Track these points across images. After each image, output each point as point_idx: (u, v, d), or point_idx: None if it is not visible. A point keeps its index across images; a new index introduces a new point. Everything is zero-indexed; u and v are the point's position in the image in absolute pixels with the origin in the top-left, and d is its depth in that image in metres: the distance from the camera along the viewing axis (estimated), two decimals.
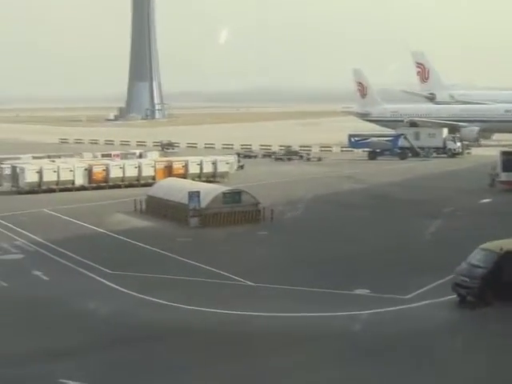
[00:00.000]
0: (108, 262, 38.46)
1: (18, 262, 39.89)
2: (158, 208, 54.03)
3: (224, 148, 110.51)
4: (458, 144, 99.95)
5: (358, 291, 32.95)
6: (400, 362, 24.63)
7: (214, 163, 75.92)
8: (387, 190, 66.63)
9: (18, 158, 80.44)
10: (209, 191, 52.45)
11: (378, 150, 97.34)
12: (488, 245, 30.70)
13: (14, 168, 69.46)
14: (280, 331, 27.73)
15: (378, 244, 42.92)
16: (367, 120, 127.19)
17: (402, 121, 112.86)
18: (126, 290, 33.23)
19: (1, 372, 23.91)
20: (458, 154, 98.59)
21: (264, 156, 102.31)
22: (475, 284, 29.19)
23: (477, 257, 30.24)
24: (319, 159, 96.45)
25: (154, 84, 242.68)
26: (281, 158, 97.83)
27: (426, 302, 31.00)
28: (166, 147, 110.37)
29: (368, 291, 32.87)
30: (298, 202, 57.29)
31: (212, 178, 73.08)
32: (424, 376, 23.56)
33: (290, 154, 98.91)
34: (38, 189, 66.82)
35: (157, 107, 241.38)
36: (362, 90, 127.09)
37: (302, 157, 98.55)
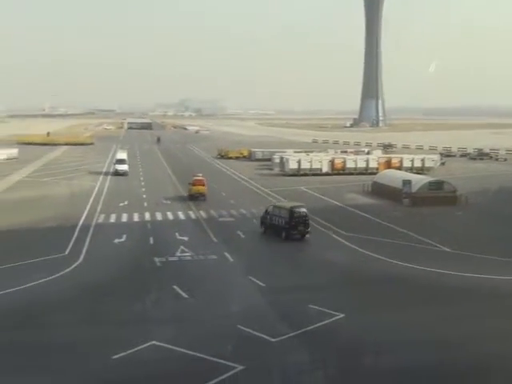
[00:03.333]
0: (343, 226, 38.59)
1: None
2: (380, 191, 53.22)
3: (430, 149, 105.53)
4: None
5: None
6: None
7: (423, 160, 73.42)
8: None
9: (285, 152, 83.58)
10: (418, 180, 50.72)
11: None
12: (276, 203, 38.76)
13: (281, 158, 72.13)
14: (466, 287, 25.80)
15: None
16: None
17: None
18: (355, 247, 33.14)
19: (284, 299, 23.80)
20: None
21: (461, 156, 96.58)
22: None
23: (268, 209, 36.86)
24: (505, 160, 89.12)
25: (379, 101, 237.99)
26: (474, 158, 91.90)
27: None
28: (387, 147, 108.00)
29: None
30: (488, 190, 53.38)
31: (421, 170, 70.33)
32: None
33: (481, 155, 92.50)
34: (297, 173, 68.48)
35: (380, 118, 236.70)
36: None
37: (491, 157, 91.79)
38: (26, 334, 20.02)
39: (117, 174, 64.96)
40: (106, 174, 66.82)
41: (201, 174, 52.80)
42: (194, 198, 49.32)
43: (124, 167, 66.22)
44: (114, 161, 69.92)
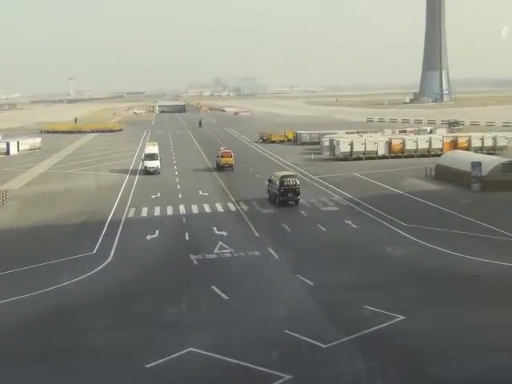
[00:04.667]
0: (402, 216, 38.06)
1: (334, 212, 40.98)
2: (445, 175, 52.13)
3: (504, 126, 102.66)
4: None
5: None
6: None
7: (494, 138, 71.56)
8: None
9: (335, 133, 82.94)
10: (490, 162, 49.38)
11: None
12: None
13: (331, 140, 71.53)
14: None
15: None
16: None
17: None
18: (415, 239, 32.58)
19: (336, 299, 23.80)
20: None
21: None
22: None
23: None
24: None
25: (443, 72, 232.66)
26: None
27: None
28: (453, 125, 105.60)
29: None
30: None
31: (492, 150, 68.63)
32: None
33: None
34: (350, 157, 68.04)
35: (445, 92, 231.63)
36: None
37: None
38: (51, 339, 20.52)
39: (147, 172, 59.89)
40: (137, 162, 67.76)
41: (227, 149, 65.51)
42: (223, 168, 61.89)
43: (155, 164, 60.48)
44: (143, 156, 63.38)
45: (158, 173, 59.82)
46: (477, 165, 47.56)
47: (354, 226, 36.51)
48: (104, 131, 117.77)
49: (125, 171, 62.89)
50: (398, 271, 27.48)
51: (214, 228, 36.20)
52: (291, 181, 43.31)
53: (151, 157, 61.75)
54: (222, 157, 62.58)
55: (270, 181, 45.48)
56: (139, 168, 63.15)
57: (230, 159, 62.35)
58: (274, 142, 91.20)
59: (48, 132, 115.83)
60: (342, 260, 29.65)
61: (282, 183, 42.95)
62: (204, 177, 59.06)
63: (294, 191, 43.05)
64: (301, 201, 43.70)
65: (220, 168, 62.11)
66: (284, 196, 42.98)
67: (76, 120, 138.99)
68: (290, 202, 42.95)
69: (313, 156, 72.62)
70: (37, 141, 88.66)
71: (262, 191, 46.94)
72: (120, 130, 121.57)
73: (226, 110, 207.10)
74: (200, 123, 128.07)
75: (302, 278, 26.24)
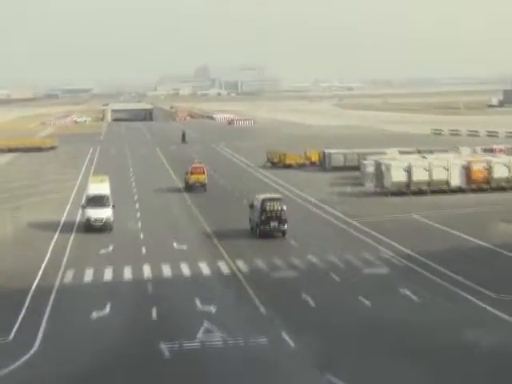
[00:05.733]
0: (491, 282, 37.87)
1: (383, 277, 40.81)
2: None
3: None
4: None
5: None
6: None
7: None
8: None
9: (383, 153, 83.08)
10: None
11: None
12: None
13: (378, 164, 71.54)
14: None
15: None
16: None
17: None
18: None
19: None
20: None
21: None
22: None
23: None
24: None
25: None
26: None
27: None
28: None
29: None
30: None
31: None
32: None
33: None
34: (406, 190, 68.15)
35: None
36: None
37: None
38: None
39: (89, 228, 54.99)
40: (77, 200, 67.69)
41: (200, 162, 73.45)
42: (192, 189, 69.65)
43: (104, 213, 55.35)
44: (84, 200, 58.23)
45: (110, 229, 55.30)
46: None
47: (414, 298, 36.22)
48: (28, 150, 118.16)
49: (60, 210, 63.33)
50: (489, 375, 27.01)
51: (197, 300, 36.00)
52: (275, 205, 49.96)
53: (97, 202, 56.47)
54: (192, 173, 70.73)
55: (251, 206, 52.07)
56: (77, 220, 58.82)
57: (202, 176, 70.67)
58: (289, 166, 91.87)
59: None
60: (397, 355, 29.32)
61: (263, 209, 49.41)
62: (181, 220, 59.15)
63: (279, 219, 49.60)
64: (331, 258, 43.64)
65: (189, 188, 71.57)
66: (266, 225, 49.55)
67: None
68: (276, 234, 49.60)
69: (349, 189, 72.60)
70: None
71: (273, 245, 46.84)
72: (52, 147, 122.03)
73: (215, 116, 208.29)
74: (183, 137, 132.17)
75: (334, 379, 26.07)
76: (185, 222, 59.47)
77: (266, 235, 49.65)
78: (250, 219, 52.44)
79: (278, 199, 51.66)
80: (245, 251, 46.85)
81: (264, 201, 49.98)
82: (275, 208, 49.57)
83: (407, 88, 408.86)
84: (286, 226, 49.89)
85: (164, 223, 58.05)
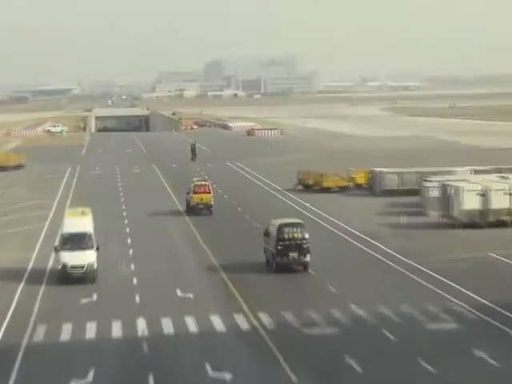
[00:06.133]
0: None
1: (451, 334, 40.61)
2: None
3: None
4: None
5: None
6: None
7: None
8: None
9: (451, 173, 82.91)
10: None
11: None
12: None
13: (444, 187, 71.69)
14: None
15: None
16: None
17: None
18: None
19: None
20: None
21: None
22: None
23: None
24: None
25: None
26: None
27: None
28: None
29: None
30: None
31: None
32: None
33: None
34: (481, 220, 68.27)
35: None
36: None
37: None
38: None
39: (64, 277, 53.61)
40: (49, 233, 68.02)
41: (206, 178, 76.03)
42: (195, 210, 74.24)
43: (85, 258, 54.01)
44: (58, 240, 57.03)
45: (93, 279, 54.01)
46: None
47: (493, 363, 35.90)
48: None
49: (29, 247, 63.85)
50: None
51: (207, 366, 35.94)
52: (295, 232, 52.07)
53: (76, 242, 55.60)
54: (195, 192, 73.56)
55: (265, 234, 54.81)
56: (49, 265, 58.29)
57: (207, 196, 73.57)
58: (327, 189, 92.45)
59: None
60: None
61: (280, 236, 51.70)
62: (187, 260, 59.41)
63: (300, 248, 51.61)
64: (382, 309, 43.81)
65: (191, 210, 75.56)
66: (284, 256, 51.57)
67: None
68: (295, 267, 50.48)
69: (406, 219, 72.44)
70: None
71: (305, 293, 47.36)
72: (19, 166, 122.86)
73: (230, 125, 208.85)
74: (193, 151, 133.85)
75: None
76: (190, 259, 60.03)
77: (284, 269, 51.40)
78: (264, 249, 54.82)
79: (298, 224, 53.75)
80: (264, 301, 46.79)
81: (281, 227, 52.17)
82: (295, 236, 51.56)
83: (478, 87, 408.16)
84: (308, 258, 51.74)
85: (164, 263, 58.27)
